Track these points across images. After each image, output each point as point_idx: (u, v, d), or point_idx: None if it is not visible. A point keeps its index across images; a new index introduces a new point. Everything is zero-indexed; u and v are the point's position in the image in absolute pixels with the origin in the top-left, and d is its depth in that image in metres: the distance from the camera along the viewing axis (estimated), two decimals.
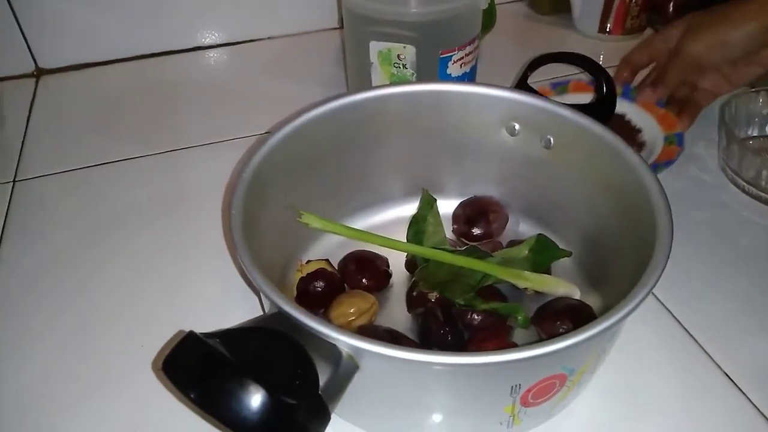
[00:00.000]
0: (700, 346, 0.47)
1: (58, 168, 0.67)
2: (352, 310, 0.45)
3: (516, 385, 0.34)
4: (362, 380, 0.34)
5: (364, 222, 0.56)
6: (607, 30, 0.87)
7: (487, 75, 0.69)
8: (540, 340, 0.32)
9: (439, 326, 0.44)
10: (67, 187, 0.65)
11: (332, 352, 0.33)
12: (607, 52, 0.85)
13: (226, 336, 0.33)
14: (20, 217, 0.61)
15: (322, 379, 0.32)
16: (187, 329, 0.32)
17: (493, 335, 0.43)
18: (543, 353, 0.31)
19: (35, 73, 0.83)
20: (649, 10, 0.87)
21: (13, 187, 0.64)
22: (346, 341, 0.32)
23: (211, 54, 0.87)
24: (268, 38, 0.89)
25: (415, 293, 0.46)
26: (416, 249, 0.47)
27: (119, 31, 0.83)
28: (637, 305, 0.34)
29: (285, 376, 0.31)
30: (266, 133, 0.69)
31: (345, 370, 0.33)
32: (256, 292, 0.48)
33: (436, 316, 0.44)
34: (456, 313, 0.46)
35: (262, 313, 0.48)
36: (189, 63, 0.86)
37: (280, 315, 0.34)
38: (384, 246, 0.45)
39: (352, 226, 0.47)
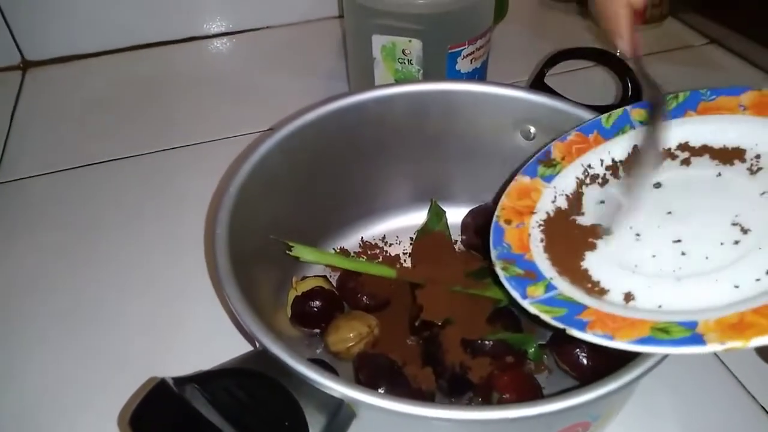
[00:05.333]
0: (734, 375, 0.43)
1: (43, 169, 0.63)
2: (351, 335, 0.41)
3: None
4: (360, 428, 0.30)
5: (368, 231, 0.52)
6: None
7: (498, 69, 0.65)
8: (569, 389, 0.28)
9: (444, 356, 0.40)
10: (52, 190, 0.61)
11: (326, 399, 0.29)
12: None
13: (205, 380, 0.29)
14: (1, 221, 0.57)
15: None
16: (169, 359, 0.28)
17: (508, 366, 0.39)
18: (568, 407, 0.27)
19: (21, 65, 0.78)
20: None
21: None
22: (342, 392, 0.28)
23: (207, 45, 0.83)
24: (267, 27, 0.85)
25: (417, 323, 0.42)
26: (422, 280, 0.43)
27: (110, 21, 0.78)
28: None
29: (270, 430, 0.27)
30: (268, 130, 0.65)
31: (340, 420, 0.29)
32: None
33: (441, 345, 0.40)
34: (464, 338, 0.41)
35: (252, 341, 0.44)
36: (183, 54, 0.81)
37: (268, 355, 0.30)
38: (385, 276, 0.42)
39: (347, 256, 0.43)
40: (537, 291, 0.33)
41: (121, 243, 0.55)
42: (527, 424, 0.29)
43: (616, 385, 0.28)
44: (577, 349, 0.40)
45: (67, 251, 0.54)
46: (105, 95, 0.74)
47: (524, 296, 0.33)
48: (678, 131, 0.39)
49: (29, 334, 0.47)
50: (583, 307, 0.31)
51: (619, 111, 0.41)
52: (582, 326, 0.29)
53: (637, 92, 0.47)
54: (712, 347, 0.26)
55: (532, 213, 0.39)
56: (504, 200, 0.40)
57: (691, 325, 0.27)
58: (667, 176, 0.38)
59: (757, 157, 0.35)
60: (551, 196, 0.40)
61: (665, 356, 0.29)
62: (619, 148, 0.40)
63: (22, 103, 0.73)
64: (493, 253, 0.37)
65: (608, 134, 0.41)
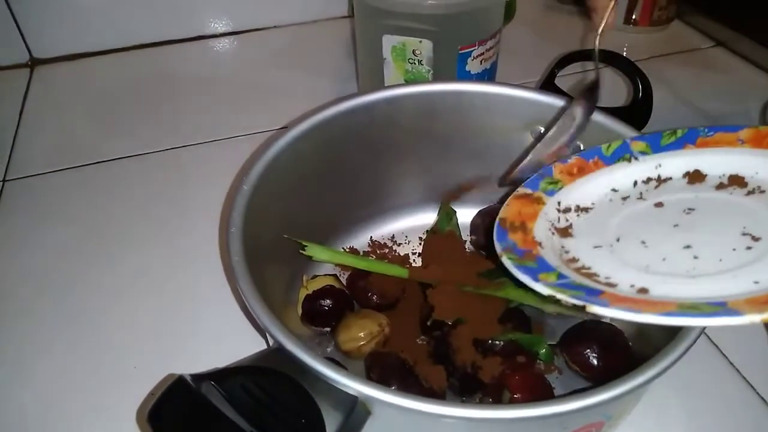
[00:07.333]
0: (744, 377, 0.43)
1: (51, 167, 0.63)
2: (362, 334, 0.41)
3: None
4: (375, 426, 0.30)
5: (377, 231, 0.52)
6: (633, 21, 0.82)
7: (507, 70, 0.65)
8: (581, 389, 0.28)
9: (455, 355, 0.40)
10: (60, 188, 0.61)
11: (341, 397, 0.29)
12: (632, 45, 0.81)
13: (221, 377, 0.29)
14: (9, 220, 0.57)
15: (330, 430, 0.28)
16: (182, 356, 0.28)
17: (519, 366, 0.39)
18: (586, 406, 0.27)
19: (29, 63, 0.78)
20: (678, 1, 0.82)
21: (2, 187, 0.61)
22: (358, 389, 0.28)
23: (214, 44, 0.83)
24: (275, 27, 0.85)
25: (429, 323, 0.42)
26: (433, 280, 0.43)
27: (118, 18, 0.79)
28: (693, 343, 0.30)
29: (287, 428, 0.27)
30: (281, 128, 0.65)
31: (356, 417, 0.29)
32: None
33: (451, 344, 0.40)
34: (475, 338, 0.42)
35: (265, 338, 0.44)
36: (191, 53, 0.81)
37: (284, 352, 0.30)
38: (398, 276, 0.42)
39: (360, 256, 0.43)
40: (549, 278, 0.32)
41: (132, 241, 0.55)
42: (545, 423, 0.29)
43: (634, 384, 0.28)
44: (588, 350, 0.40)
45: (78, 249, 0.54)
46: (112, 93, 0.74)
47: (536, 280, 0.32)
48: (676, 161, 0.39)
49: (40, 333, 0.47)
50: (599, 291, 0.30)
51: (618, 142, 0.41)
52: (604, 304, 0.28)
53: (647, 94, 0.47)
54: (750, 318, 0.25)
55: (536, 217, 0.39)
56: (507, 206, 0.39)
57: (721, 304, 0.27)
58: (668, 197, 0.38)
59: (758, 183, 0.35)
60: (554, 205, 0.40)
61: (682, 354, 0.29)
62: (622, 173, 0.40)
63: (30, 101, 0.73)
64: (498, 246, 0.36)
65: (609, 161, 0.41)
